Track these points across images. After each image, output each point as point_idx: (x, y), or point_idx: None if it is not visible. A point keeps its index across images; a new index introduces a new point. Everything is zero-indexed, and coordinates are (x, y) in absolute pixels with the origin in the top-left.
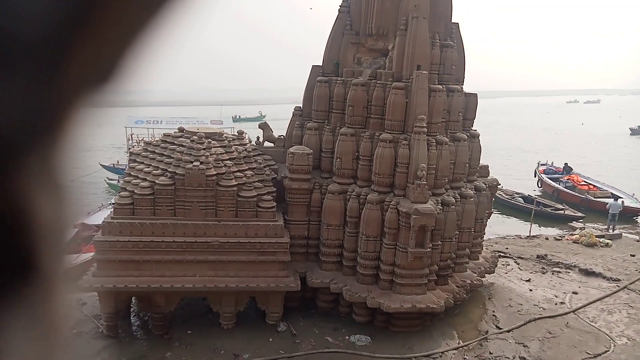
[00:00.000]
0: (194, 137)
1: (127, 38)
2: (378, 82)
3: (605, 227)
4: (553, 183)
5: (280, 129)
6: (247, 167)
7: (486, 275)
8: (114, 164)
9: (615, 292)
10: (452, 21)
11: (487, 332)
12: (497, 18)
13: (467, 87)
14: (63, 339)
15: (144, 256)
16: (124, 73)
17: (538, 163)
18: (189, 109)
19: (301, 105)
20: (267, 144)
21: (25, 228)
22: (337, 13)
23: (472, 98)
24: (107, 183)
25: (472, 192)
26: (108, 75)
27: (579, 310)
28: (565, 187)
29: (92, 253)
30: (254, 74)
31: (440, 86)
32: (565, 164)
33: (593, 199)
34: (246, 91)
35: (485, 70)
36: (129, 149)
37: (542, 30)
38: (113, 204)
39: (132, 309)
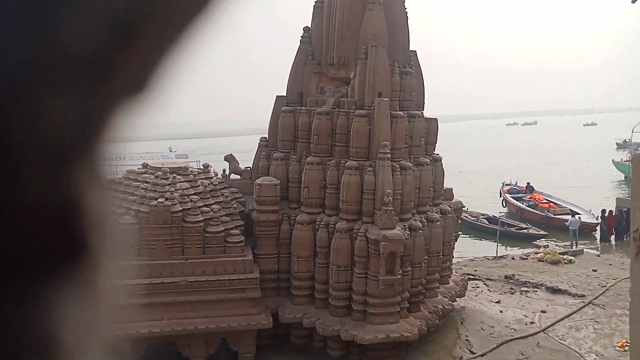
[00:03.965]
0: (159, 172)
1: (159, 53)
2: (341, 110)
3: (567, 243)
4: (516, 202)
5: (246, 161)
6: (213, 201)
7: (457, 299)
8: None
9: (581, 309)
10: (410, 49)
11: (461, 357)
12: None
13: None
14: (109, 308)
15: None
16: (156, 85)
17: (503, 183)
18: (152, 144)
19: (267, 136)
20: (233, 176)
21: (78, 215)
22: (299, 44)
23: (433, 123)
24: None
25: (438, 215)
26: (142, 85)
27: (548, 329)
28: (528, 206)
29: None
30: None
31: (401, 112)
32: (528, 183)
33: (553, 216)
34: (210, 123)
35: (430, 97)
36: None
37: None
38: None
39: None
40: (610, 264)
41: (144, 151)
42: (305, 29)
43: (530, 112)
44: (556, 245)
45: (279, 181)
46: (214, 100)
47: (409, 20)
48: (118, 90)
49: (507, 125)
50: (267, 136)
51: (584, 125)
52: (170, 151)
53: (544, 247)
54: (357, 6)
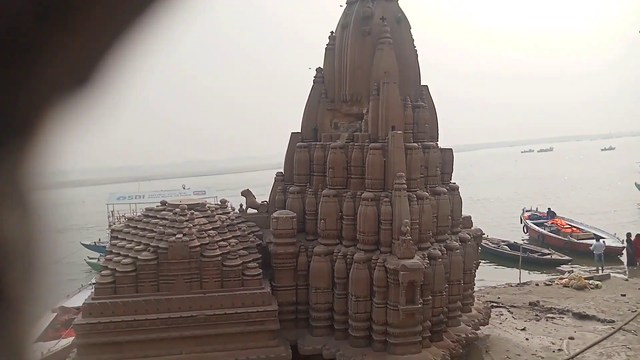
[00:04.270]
0: (177, 209)
1: (106, 43)
2: (356, 144)
3: (592, 268)
4: (538, 228)
5: (262, 195)
6: (231, 236)
7: (481, 327)
8: (95, 243)
9: (611, 334)
10: (422, 84)
11: None
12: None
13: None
14: None
15: (126, 337)
16: (101, 78)
17: (523, 209)
18: (172, 182)
19: (282, 171)
20: (250, 210)
21: None
22: (312, 83)
23: (448, 153)
24: (88, 263)
25: (457, 243)
26: (84, 78)
27: (577, 357)
28: (550, 232)
29: (72, 338)
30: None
31: (415, 144)
32: (549, 208)
33: (576, 241)
34: (228, 161)
35: (445, 128)
36: (110, 225)
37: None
38: (94, 284)
39: None
40: (639, 288)
41: (159, 189)
42: (318, 69)
43: (545, 138)
44: (581, 270)
45: (295, 214)
46: (230, 139)
47: (418, 57)
48: (51, 83)
49: (522, 152)
50: (282, 171)
51: (602, 150)
52: (184, 188)
53: (569, 272)
54: (368, 46)
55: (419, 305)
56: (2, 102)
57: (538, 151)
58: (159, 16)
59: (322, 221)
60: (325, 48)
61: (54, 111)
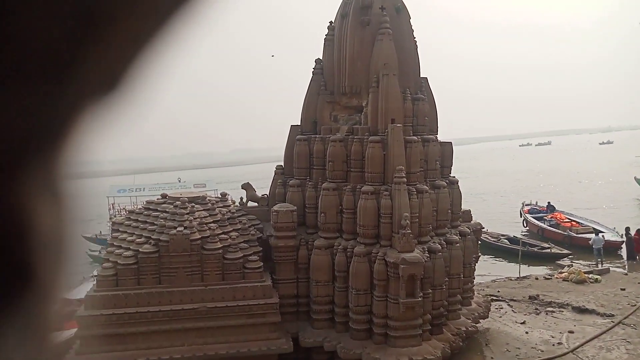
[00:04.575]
0: (177, 202)
1: (133, 49)
2: (355, 137)
3: (592, 262)
4: (537, 222)
5: (263, 188)
6: (231, 229)
7: (481, 320)
8: (96, 235)
9: (611, 328)
10: (421, 76)
11: None
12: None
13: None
14: (53, 347)
15: (128, 329)
16: (130, 84)
17: (523, 203)
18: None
19: (282, 164)
20: (250, 204)
21: (24, 235)
22: (311, 75)
23: (448, 146)
24: (89, 255)
25: (457, 237)
26: (113, 84)
27: (577, 350)
28: (549, 226)
29: (75, 329)
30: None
31: (415, 137)
32: (548, 202)
33: (575, 235)
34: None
35: (444, 121)
36: (111, 218)
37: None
38: (95, 276)
39: None
40: (639, 283)
41: (154, 182)
42: (317, 60)
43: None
44: (581, 264)
45: (295, 207)
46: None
47: (418, 49)
48: (84, 90)
49: (520, 146)
50: (282, 164)
51: (600, 144)
52: (179, 181)
53: (568, 266)
54: (367, 37)
55: (419, 299)
56: (40, 105)
57: (536, 145)
58: (180, 25)
59: (322, 214)
60: (325, 39)
61: (86, 115)
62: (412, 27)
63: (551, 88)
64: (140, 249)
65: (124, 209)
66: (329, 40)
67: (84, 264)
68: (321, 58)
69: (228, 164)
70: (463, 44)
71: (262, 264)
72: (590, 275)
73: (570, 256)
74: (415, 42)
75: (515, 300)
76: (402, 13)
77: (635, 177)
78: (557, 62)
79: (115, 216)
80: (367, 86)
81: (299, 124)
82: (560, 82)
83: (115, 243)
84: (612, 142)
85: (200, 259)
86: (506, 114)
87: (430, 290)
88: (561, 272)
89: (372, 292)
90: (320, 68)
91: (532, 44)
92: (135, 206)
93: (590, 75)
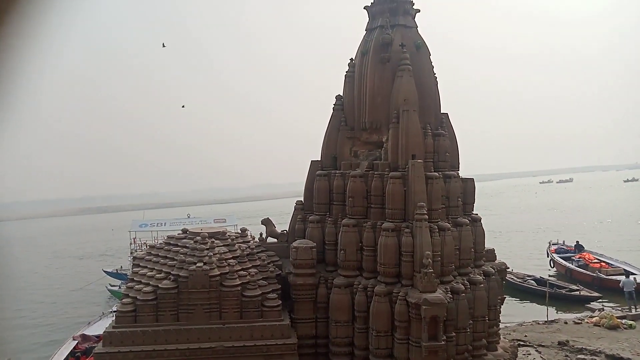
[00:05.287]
0: (198, 237)
1: None
2: (375, 172)
3: (624, 306)
4: (565, 262)
5: (282, 224)
6: (250, 265)
7: None
8: (117, 270)
9: None
10: (442, 112)
11: None
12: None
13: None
14: None
15: None
16: None
17: (549, 242)
18: (195, 209)
19: (302, 199)
20: (270, 239)
21: None
22: (332, 111)
23: (470, 183)
24: (109, 290)
25: (481, 277)
26: None
27: None
28: (578, 266)
29: None
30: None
31: (436, 173)
32: (577, 242)
33: (605, 276)
34: (249, 188)
35: (465, 156)
36: (132, 253)
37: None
38: (115, 311)
39: None
40: None
41: (162, 218)
42: (337, 97)
43: (567, 169)
44: (613, 308)
45: (315, 244)
46: (252, 167)
47: (438, 85)
48: None
49: (540, 183)
50: (302, 199)
51: (624, 181)
52: (188, 217)
53: (599, 310)
54: (387, 73)
55: (442, 342)
56: None
57: (557, 182)
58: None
59: (342, 252)
60: (345, 75)
61: None
62: (432, 64)
63: (575, 123)
64: (159, 285)
65: (144, 243)
66: (349, 77)
67: (104, 299)
68: (341, 94)
69: (249, 199)
70: (483, 78)
71: (280, 302)
72: (624, 321)
73: (600, 299)
74: (436, 78)
75: (543, 346)
76: (422, 50)
77: None
78: (583, 93)
79: (136, 251)
80: (387, 122)
81: (319, 159)
82: (583, 117)
83: (135, 278)
84: (637, 180)
85: (218, 296)
86: (527, 149)
87: (454, 334)
88: (592, 317)
89: (393, 334)
90: (340, 104)
91: (557, 75)
92: (156, 241)
93: (616, 109)
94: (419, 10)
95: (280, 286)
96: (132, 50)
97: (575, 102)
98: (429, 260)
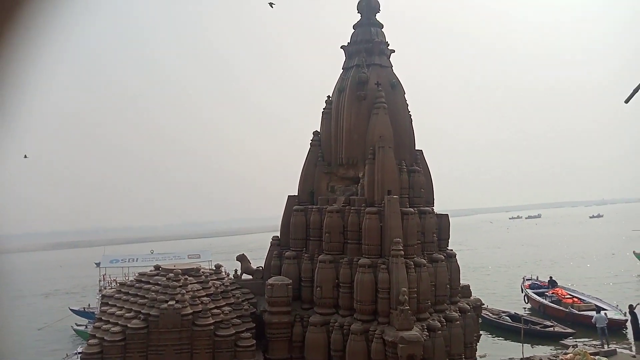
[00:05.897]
0: (170, 274)
1: None
2: (352, 208)
3: (597, 342)
4: (539, 298)
5: (258, 259)
6: (224, 303)
7: None
8: (84, 308)
9: None
10: (417, 148)
11: None
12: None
13: None
14: None
15: None
16: None
17: (523, 278)
18: (165, 244)
19: (279, 234)
20: (245, 276)
21: None
22: (309, 146)
23: (444, 218)
24: (75, 330)
25: (457, 314)
26: None
27: None
28: (551, 302)
29: None
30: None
31: (412, 209)
32: (550, 277)
33: (577, 312)
34: (224, 222)
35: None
36: (101, 290)
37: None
38: (79, 353)
39: None
40: None
41: (127, 254)
42: (315, 133)
43: (536, 205)
44: (585, 344)
45: (290, 281)
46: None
47: (413, 123)
48: None
49: (510, 218)
50: (279, 235)
51: (590, 217)
52: (152, 253)
53: (573, 346)
54: (363, 110)
55: None
56: None
57: (526, 218)
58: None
59: (318, 289)
60: (322, 112)
61: None
62: (407, 102)
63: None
64: (128, 325)
65: (114, 280)
66: (326, 113)
67: (68, 340)
68: (319, 130)
69: (224, 233)
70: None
71: (254, 341)
72: (597, 357)
73: (573, 335)
74: (410, 115)
75: None
76: (397, 88)
77: (634, 252)
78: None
79: (105, 288)
80: (363, 158)
81: (296, 194)
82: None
83: (103, 317)
84: (602, 216)
85: (190, 336)
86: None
87: None
88: (566, 353)
89: None
90: (317, 140)
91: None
92: (127, 277)
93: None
94: (393, 51)
95: (254, 325)
96: (105, 84)
97: (552, 140)
98: (405, 297)
